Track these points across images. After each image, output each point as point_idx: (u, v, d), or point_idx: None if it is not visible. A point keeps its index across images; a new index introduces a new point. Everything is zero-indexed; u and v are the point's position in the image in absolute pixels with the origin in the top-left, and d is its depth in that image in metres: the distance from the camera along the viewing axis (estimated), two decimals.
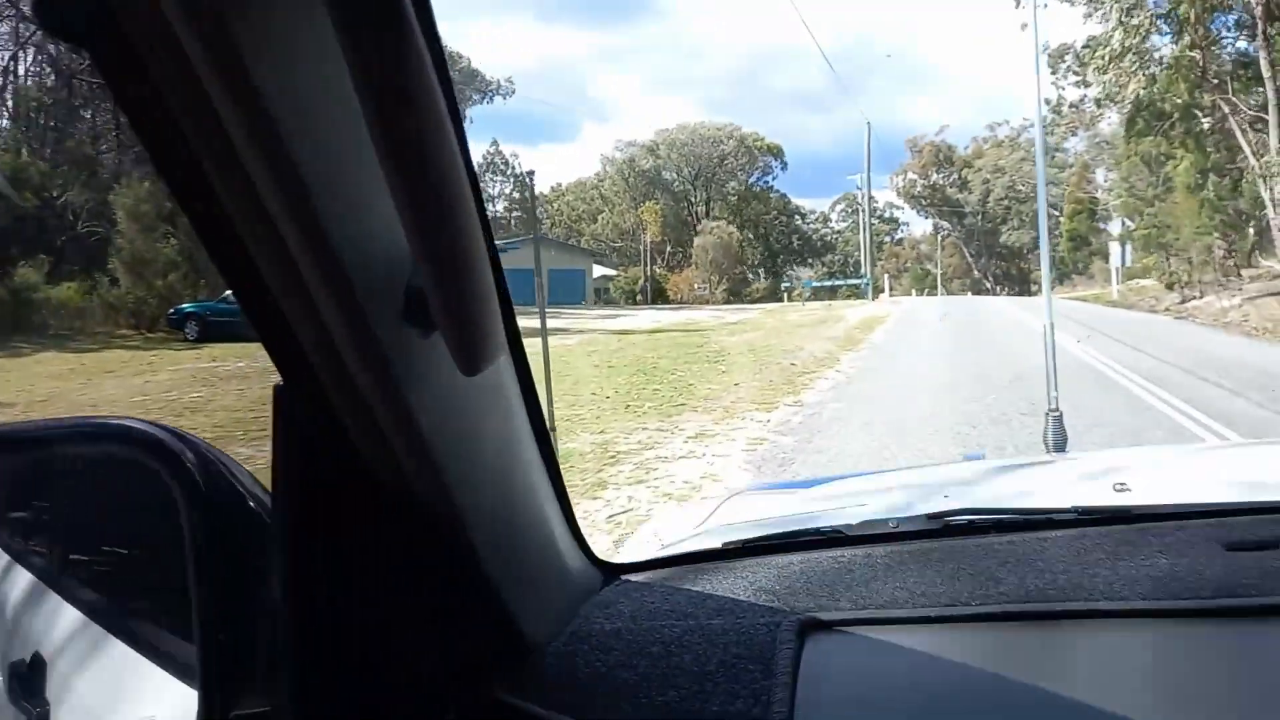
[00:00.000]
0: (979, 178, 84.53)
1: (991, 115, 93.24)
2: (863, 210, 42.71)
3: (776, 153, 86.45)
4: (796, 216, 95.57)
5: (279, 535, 0.74)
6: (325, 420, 0.70)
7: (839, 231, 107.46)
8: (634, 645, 0.96)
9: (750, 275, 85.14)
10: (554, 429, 5.05)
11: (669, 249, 76.75)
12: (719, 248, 64.98)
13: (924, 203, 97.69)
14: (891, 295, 77.76)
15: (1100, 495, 1.34)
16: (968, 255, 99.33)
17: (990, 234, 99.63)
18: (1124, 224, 36.10)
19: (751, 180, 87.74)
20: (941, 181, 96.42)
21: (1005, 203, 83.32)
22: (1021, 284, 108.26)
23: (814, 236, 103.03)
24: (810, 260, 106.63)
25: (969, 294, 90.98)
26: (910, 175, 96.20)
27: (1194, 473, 1.80)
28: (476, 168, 0.65)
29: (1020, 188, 77.98)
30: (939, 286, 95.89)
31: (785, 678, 0.87)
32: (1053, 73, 43.71)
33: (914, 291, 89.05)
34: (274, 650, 0.76)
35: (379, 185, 0.56)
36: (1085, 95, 43.58)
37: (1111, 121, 48.19)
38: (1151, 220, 33.65)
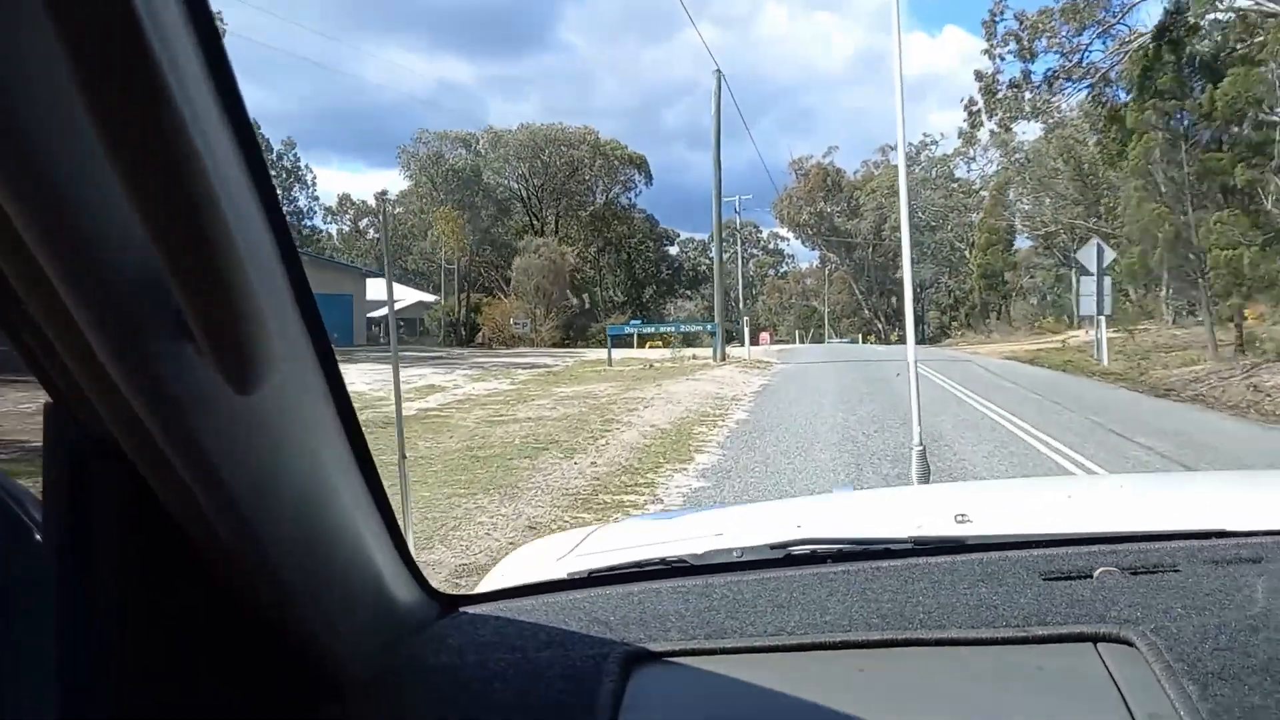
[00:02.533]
0: (872, 203, 72.65)
1: (885, 137, 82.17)
2: (714, 233, 23.48)
3: (640, 164, 72.80)
4: (667, 243, 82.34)
5: (51, 564, 0.69)
6: (99, 440, 0.66)
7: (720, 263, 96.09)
8: (457, 680, 0.95)
9: (593, 310, 71.43)
10: (405, 457, 4.51)
11: (489, 272, 62.07)
12: (545, 271, 50.27)
13: (810, 232, 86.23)
14: (766, 344, 65.48)
15: (942, 526, 1.36)
16: (857, 291, 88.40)
17: (882, 268, 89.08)
18: (1099, 250, 22.67)
19: (612, 194, 73.97)
20: (829, 209, 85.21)
21: (899, 233, 72.25)
22: (917, 325, 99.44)
23: (688, 266, 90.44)
24: (684, 292, 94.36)
25: (862, 337, 79.74)
26: (795, 200, 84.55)
27: (1032, 505, 1.79)
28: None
29: (919, 214, 66.54)
30: (826, 326, 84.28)
31: (606, 712, 0.89)
32: (988, 40, 30.63)
33: (798, 334, 77.24)
34: (41, 693, 0.70)
35: (117, 189, 0.51)
36: (1031, 69, 30.05)
37: (1069, 110, 33.98)
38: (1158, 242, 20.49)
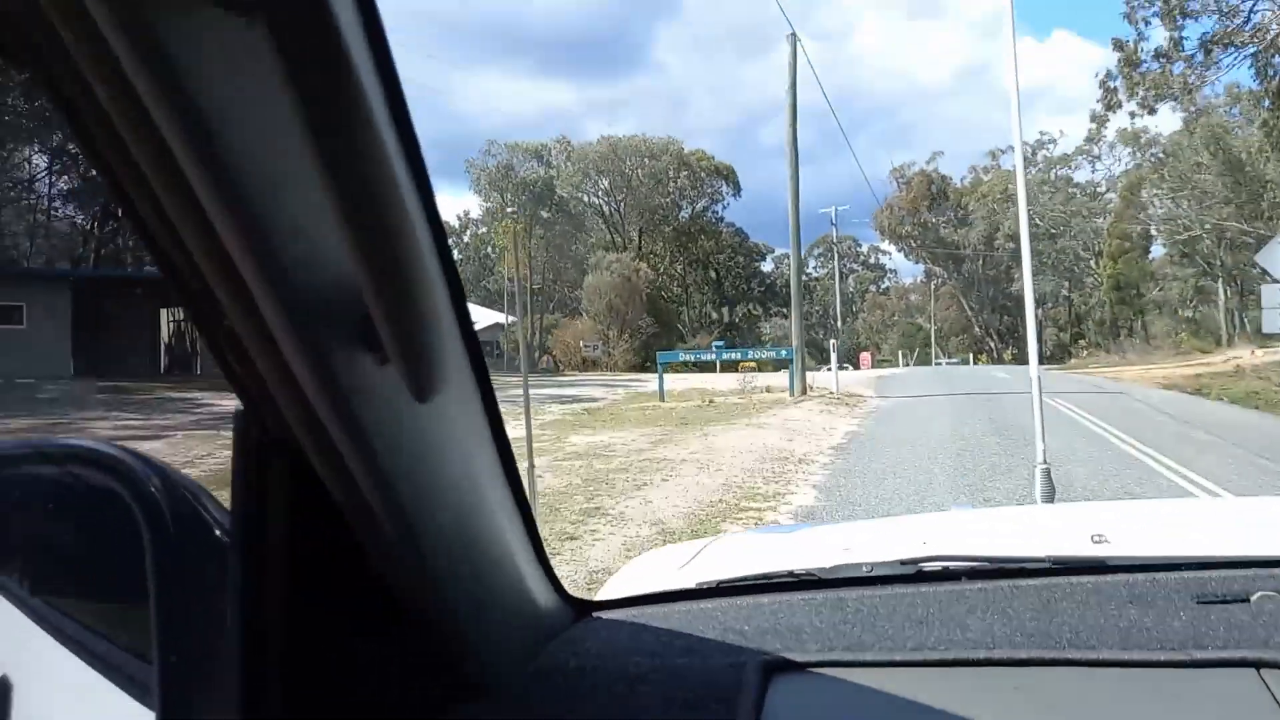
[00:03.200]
0: (982, 209, 66.52)
1: (993, 145, 75.80)
2: (791, 234, 17.85)
3: (727, 175, 68.75)
4: (759, 258, 77.89)
5: (235, 560, 0.74)
6: (284, 446, 0.70)
7: (817, 279, 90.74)
8: (598, 683, 0.97)
9: (681, 330, 67.35)
10: (532, 466, 5.04)
11: (568, 291, 58.86)
12: (618, 289, 46.39)
13: (913, 244, 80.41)
14: (866, 366, 60.22)
15: (1078, 546, 1.33)
16: (967, 307, 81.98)
17: (994, 282, 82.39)
18: None
19: (698, 209, 70.05)
20: (935, 219, 79.24)
21: (1014, 244, 65.61)
22: (1048, 344, 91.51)
23: (781, 283, 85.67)
24: (777, 309, 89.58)
25: (973, 358, 73.30)
26: (897, 211, 78.92)
27: (1171, 526, 1.74)
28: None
29: (1037, 222, 60.31)
30: (932, 346, 78.13)
31: (747, 718, 0.89)
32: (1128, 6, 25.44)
33: (901, 354, 71.50)
34: (227, 677, 0.76)
35: (325, 210, 0.55)
36: (1182, 36, 24.65)
37: (1213, 95, 28.27)
38: None
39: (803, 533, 2.02)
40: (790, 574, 1.28)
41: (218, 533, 0.86)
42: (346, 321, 0.62)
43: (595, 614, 1.15)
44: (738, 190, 69.32)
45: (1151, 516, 1.95)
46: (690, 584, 1.34)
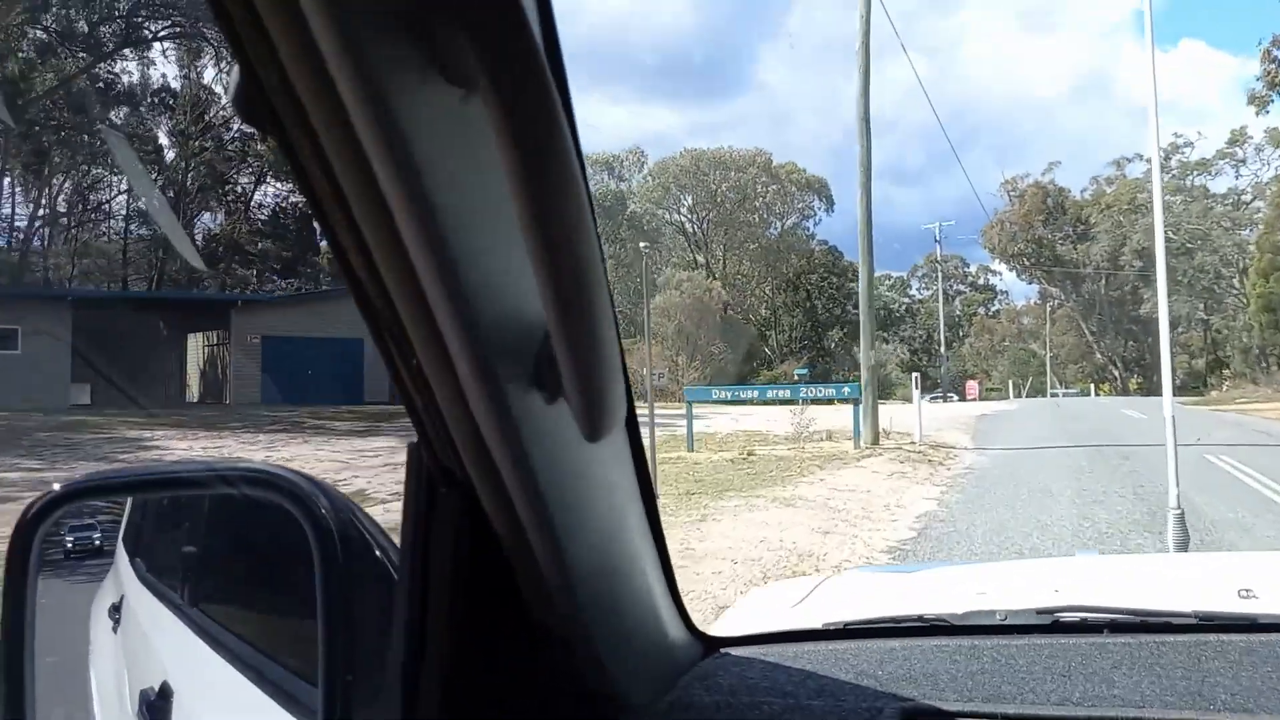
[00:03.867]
0: (1107, 221, 59.99)
1: (1113, 154, 68.77)
2: (860, 219, 12.62)
3: (820, 189, 64.27)
4: (852, 278, 72.94)
5: (403, 585, 0.77)
6: (451, 474, 0.74)
7: (921, 301, 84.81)
8: (733, 719, 0.98)
9: (769, 354, 62.93)
10: (659, 496, 4.34)
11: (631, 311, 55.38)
12: (688, 310, 42.49)
13: (1027, 262, 73.89)
14: (973, 396, 54.54)
15: (1223, 601, 1.28)
16: (1087, 332, 74.84)
17: (1118, 304, 75.00)
18: None
19: (787, 225, 65.68)
20: (1050, 236, 72.65)
21: (1143, 260, 58.66)
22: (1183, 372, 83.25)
23: (880, 304, 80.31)
24: (879, 334, 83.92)
25: (1095, 388, 66.35)
26: (1008, 226, 72.69)
27: None
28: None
29: (1170, 235, 53.65)
30: (1048, 374, 71.30)
31: None
32: None
33: (1011, 383, 65.14)
34: (390, 701, 0.79)
35: (519, 256, 0.58)
36: None
37: None
38: None
39: (923, 574, 1.96)
40: (920, 618, 1.26)
41: (378, 553, 0.90)
42: (526, 358, 0.65)
43: (724, 650, 1.16)
44: (830, 205, 64.75)
45: None
46: (813, 623, 1.32)
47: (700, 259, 62.63)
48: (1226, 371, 50.41)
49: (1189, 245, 53.26)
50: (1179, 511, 5.20)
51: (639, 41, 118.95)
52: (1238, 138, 49.82)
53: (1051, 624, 1.19)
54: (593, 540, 0.82)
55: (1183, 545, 5.08)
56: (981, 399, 63.84)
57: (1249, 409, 29.94)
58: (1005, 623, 1.20)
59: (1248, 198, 51.38)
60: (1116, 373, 72.90)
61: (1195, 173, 53.52)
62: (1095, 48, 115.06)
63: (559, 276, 0.58)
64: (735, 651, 1.15)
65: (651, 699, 0.98)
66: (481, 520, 0.75)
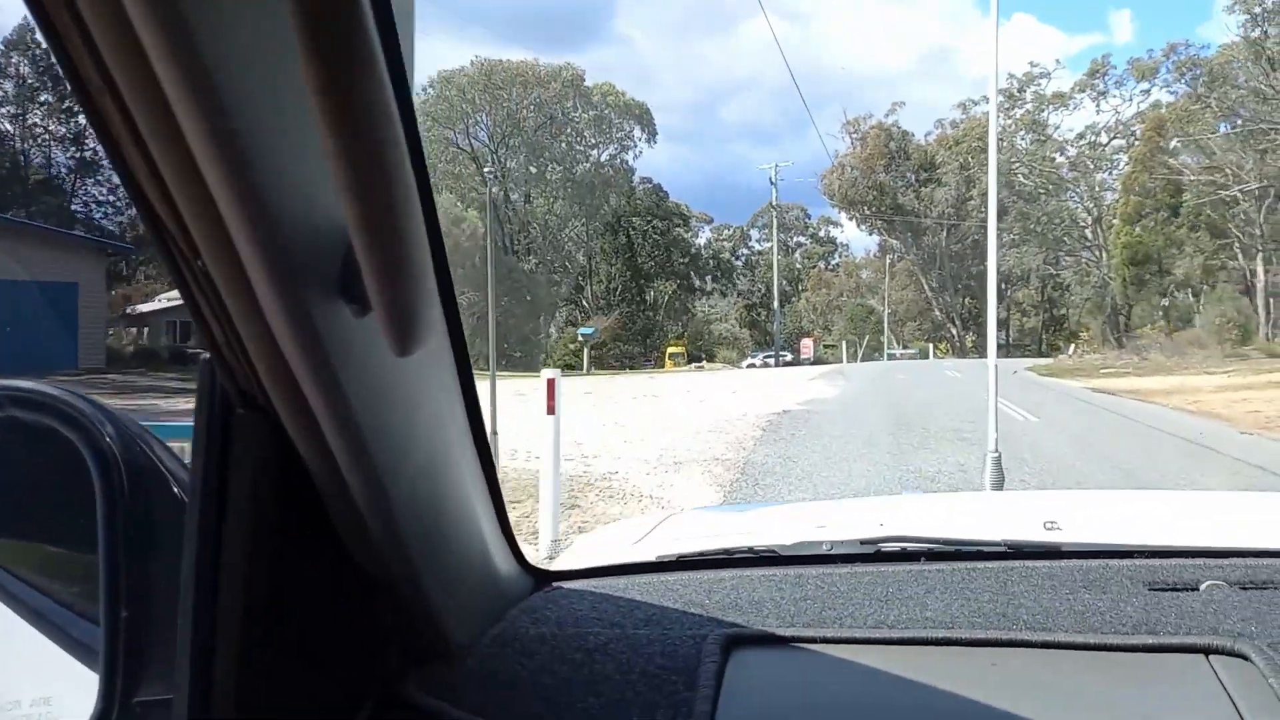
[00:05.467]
0: (955, 161, 53.85)
1: (964, 92, 63.10)
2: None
3: (641, 116, 55.40)
4: (679, 223, 64.68)
5: (193, 515, 0.72)
6: (251, 396, 0.69)
7: (760, 253, 78.10)
8: (558, 651, 0.98)
9: (586, 307, 54.36)
10: (495, 434, 5.03)
11: None
12: (465, 256, 32.96)
13: (867, 211, 68.03)
14: (807, 353, 47.85)
15: (1031, 532, 1.36)
16: (927, 287, 69.97)
17: (960, 258, 70.46)
18: None
19: (603, 157, 56.58)
20: (892, 183, 66.90)
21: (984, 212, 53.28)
22: (1016, 331, 79.76)
23: (710, 254, 72.67)
24: (710, 286, 76.76)
25: (934, 348, 61.23)
26: (849, 171, 66.40)
27: (1122, 515, 1.78)
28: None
29: (1022, 180, 47.75)
30: (885, 333, 65.93)
31: (708, 690, 0.90)
32: None
33: (845, 343, 59.16)
34: (177, 641, 0.74)
35: (317, 152, 0.54)
36: None
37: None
38: None
39: (758, 511, 2.02)
40: (751, 550, 1.31)
41: (176, 489, 0.85)
42: (329, 269, 0.60)
43: (556, 584, 1.16)
44: (653, 135, 55.94)
45: (1101, 506, 1.97)
46: (649, 557, 1.34)
47: (498, 192, 52.77)
48: (1085, 334, 45.12)
49: (1048, 188, 47.56)
50: (996, 454, 5.59)
51: None
52: (1099, 68, 44.43)
53: (874, 554, 1.25)
54: (412, 470, 0.77)
55: (999, 485, 5.47)
56: (816, 359, 58.42)
57: (1118, 383, 23.19)
58: (831, 553, 1.26)
59: (1104, 139, 46.08)
60: (954, 330, 68.42)
61: (1051, 106, 47.76)
62: (939, 22, 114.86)
63: (361, 182, 0.55)
64: (568, 585, 1.16)
65: (477, 635, 0.97)
66: (288, 448, 0.70)
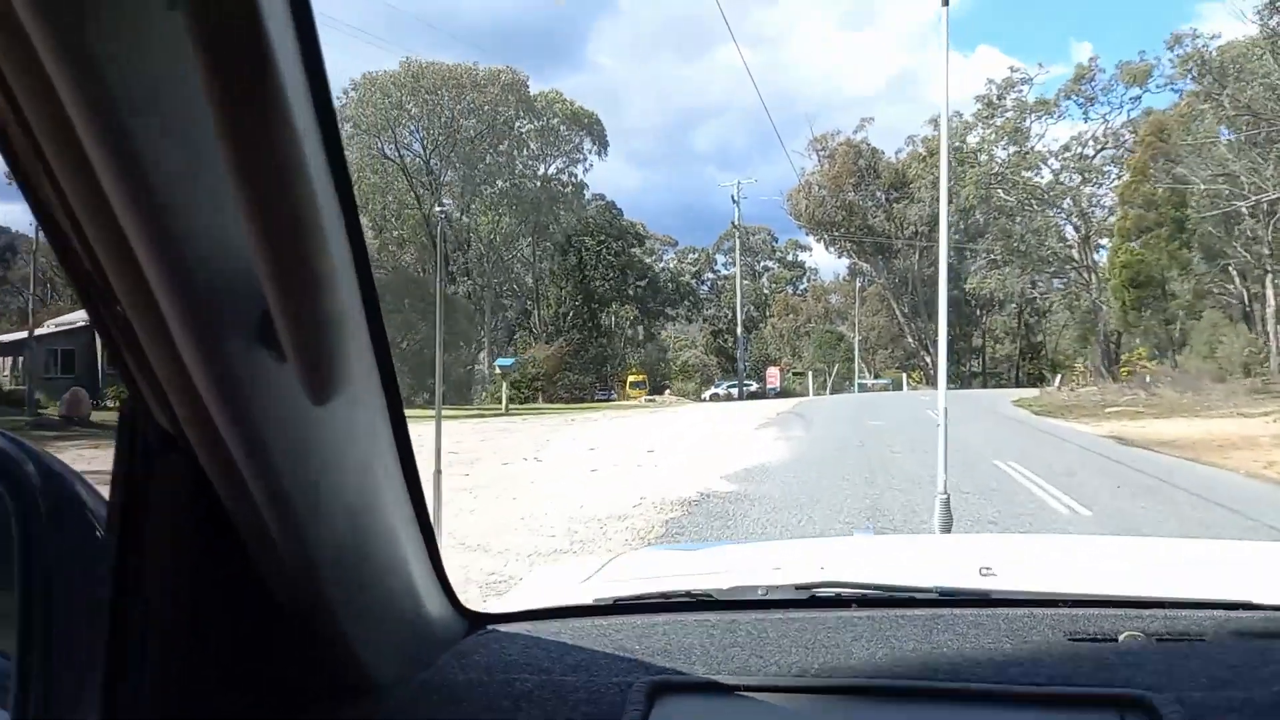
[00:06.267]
0: (929, 176, 49.92)
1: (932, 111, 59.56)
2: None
3: (591, 127, 51.07)
4: (634, 242, 60.23)
5: (111, 557, 0.72)
6: (172, 438, 0.69)
7: (726, 277, 73.92)
8: (483, 698, 0.98)
9: (533, 331, 49.66)
10: (439, 471, 5.15)
11: None
12: (397, 283, 28.67)
13: (835, 232, 64.12)
14: (774, 383, 43.60)
15: (966, 578, 1.37)
16: (899, 313, 66.19)
17: (931, 283, 66.70)
18: None
19: (550, 172, 52.09)
20: (862, 202, 63.07)
21: (967, 220, 49.09)
22: (989, 359, 75.71)
23: (669, 277, 68.21)
24: (669, 311, 72.20)
25: (906, 377, 57.07)
26: (817, 190, 62.50)
27: (1055, 562, 1.79)
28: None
29: (1003, 196, 43.79)
30: (856, 360, 61.75)
31: None
32: None
33: (812, 374, 54.91)
34: (91, 678, 0.74)
35: (233, 201, 0.54)
36: None
37: None
38: None
39: (707, 552, 2.01)
40: (688, 594, 1.31)
41: (97, 528, 0.84)
42: (246, 316, 0.60)
43: (491, 626, 1.16)
44: (604, 148, 51.54)
45: (1037, 551, 1.97)
46: (588, 600, 1.34)
47: (439, 211, 48.09)
48: (1080, 364, 40.90)
49: (1026, 206, 43.55)
50: (945, 496, 5.56)
51: (467, 7, 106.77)
52: (1085, 72, 40.74)
53: (809, 599, 1.25)
54: (335, 514, 0.77)
55: (947, 527, 5.42)
56: (782, 390, 54.08)
57: (1139, 429, 18.82)
58: (766, 598, 1.27)
59: (1091, 150, 42.24)
60: (928, 358, 64.43)
61: (1035, 114, 43.93)
62: (905, 48, 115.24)
63: (270, 228, 0.54)
64: (503, 628, 1.16)
65: (401, 679, 0.95)
66: (208, 491, 0.71)
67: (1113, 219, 39.31)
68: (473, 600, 1.28)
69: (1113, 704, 0.95)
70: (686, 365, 61.76)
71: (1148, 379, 28.58)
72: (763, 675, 1.01)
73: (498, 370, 23.83)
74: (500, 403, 41.50)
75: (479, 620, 1.16)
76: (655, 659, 1.05)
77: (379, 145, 44.71)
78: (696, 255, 74.72)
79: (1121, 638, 1.09)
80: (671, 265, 70.01)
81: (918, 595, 1.24)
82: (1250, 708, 0.92)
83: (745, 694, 0.99)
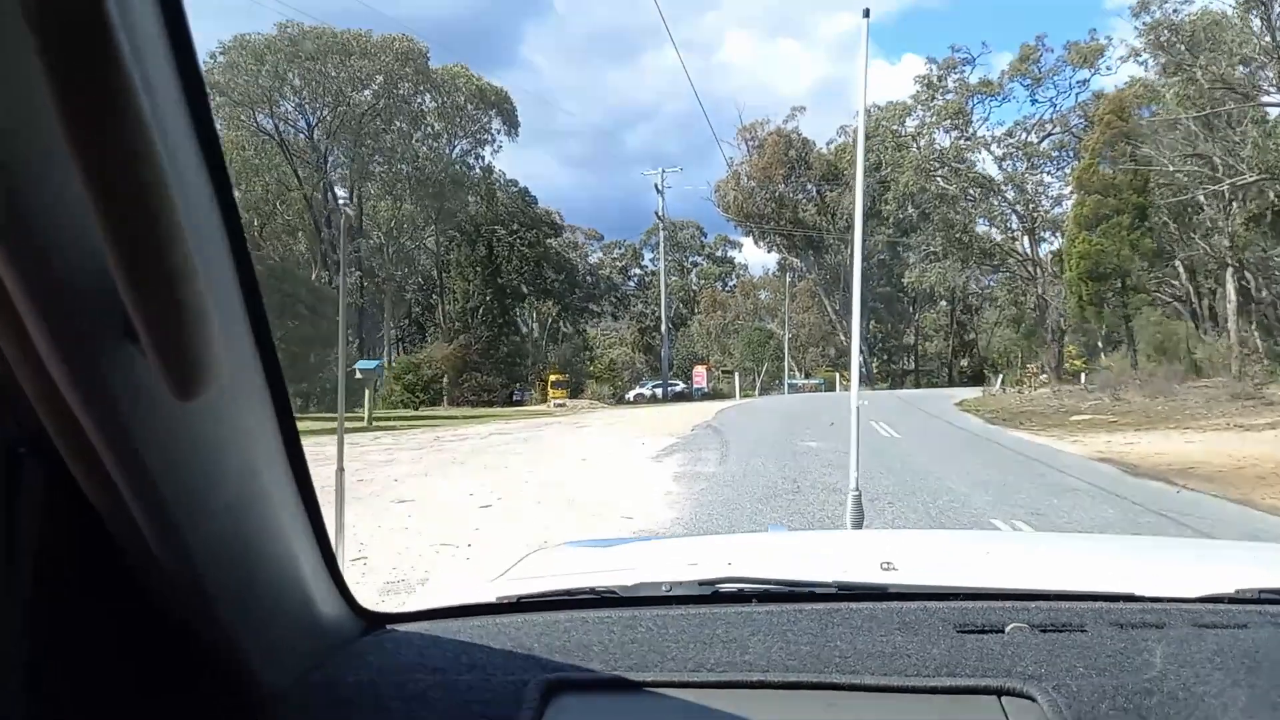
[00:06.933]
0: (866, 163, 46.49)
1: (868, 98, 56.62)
2: None
3: (500, 104, 46.56)
4: (550, 232, 55.79)
5: None
6: (32, 438, 0.66)
7: (654, 273, 69.99)
8: (376, 699, 0.96)
9: (438, 328, 44.98)
10: (342, 470, 4.82)
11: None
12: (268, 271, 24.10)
13: (765, 225, 60.77)
14: (701, 382, 40.10)
15: (869, 572, 1.39)
16: (830, 309, 63.17)
17: (865, 278, 63.82)
18: None
19: (454, 152, 47.41)
20: (792, 194, 59.81)
21: (906, 208, 45.91)
22: (917, 357, 73.10)
23: (587, 271, 64.01)
24: (593, 307, 67.93)
25: (838, 378, 53.95)
26: (745, 181, 59.01)
27: (955, 557, 1.81)
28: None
29: (942, 184, 40.64)
30: (786, 360, 58.44)
31: None
32: None
33: (738, 375, 51.40)
34: None
35: (82, 194, 0.52)
36: None
37: None
38: None
39: (622, 549, 2.00)
40: (592, 591, 1.30)
41: None
42: (105, 312, 0.58)
43: (391, 626, 1.13)
44: (514, 129, 47.03)
45: (938, 547, 1.98)
46: (490, 598, 1.32)
47: (341, 204, 43.14)
48: (1034, 364, 37.76)
49: (982, 186, 40.34)
50: (857, 493, 5.50)
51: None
52: (1031, 53, 37.84)
53: (712, 595, 1.25)
54: (218, 513, 0.75)
55: (858, 523, 5.41)
56: (711, 390, 50.61)
57: (1131, 447, 15.40)
58: (670, 594, 1.26)
59: (1035, 137, 39.33)
60: (863, 357, 61.48)
61: (979, 95, 40.83)
62: (833, 57, 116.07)
63: (120, 220, 0.52)
64: (401, 628, 1.13)
65: (290, 683, 0.93)
66: (77, 494, 0.68)
67: (1058, 210, 36.54)
68: (370, 601, 1.14)
69: (995, 694, 0.97)
70: (613, 364, 57.73)
71: (1108, 380, 25.42)
72: (659, 671, 1.01)
73: (358, 374, 19.26)
74: (409, 404, 37.19)
75: (377, 620, 1.13)
76: (554, 656, 1.04)
77: (253, 118, 39.43)
78: (623, 250, 70.85)
79: (1008, 629, 1.11)
80: (596, 261, 65.92)
81: (817, 590, 1.24)
82: (1122, 694, 0.95)
83: (641, 690, 0.99)
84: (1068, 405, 24.26)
